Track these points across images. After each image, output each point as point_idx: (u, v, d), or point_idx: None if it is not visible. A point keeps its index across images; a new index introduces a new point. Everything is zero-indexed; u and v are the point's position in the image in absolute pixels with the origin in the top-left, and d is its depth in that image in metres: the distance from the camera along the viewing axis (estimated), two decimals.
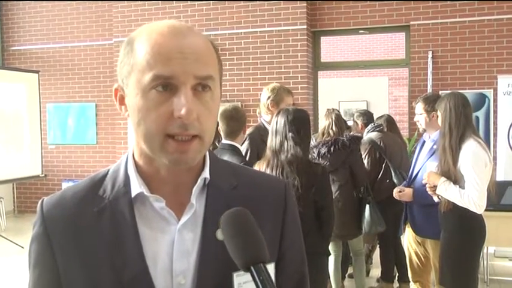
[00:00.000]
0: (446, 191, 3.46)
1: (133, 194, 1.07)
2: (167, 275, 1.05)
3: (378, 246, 6.03)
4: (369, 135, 5.26)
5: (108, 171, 1.14)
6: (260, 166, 3.24)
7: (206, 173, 1.10)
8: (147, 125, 1.00)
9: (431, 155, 3.76)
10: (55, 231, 1.08)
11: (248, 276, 0.92)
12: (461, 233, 3.51)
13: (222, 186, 1.12)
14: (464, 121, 3.49)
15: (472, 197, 3.36)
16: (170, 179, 1.08)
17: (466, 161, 3.41)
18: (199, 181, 1.09)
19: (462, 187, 3.41)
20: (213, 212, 1.08)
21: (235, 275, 1.05)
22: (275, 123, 3.27)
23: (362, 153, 5.04)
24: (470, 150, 3.41)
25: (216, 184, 1.11)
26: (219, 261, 1.04)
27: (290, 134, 3.16)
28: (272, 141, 3.23)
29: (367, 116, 5.66)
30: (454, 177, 3.45)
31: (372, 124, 5.42)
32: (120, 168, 1.12)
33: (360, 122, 5.63)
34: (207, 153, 1.13)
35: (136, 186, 1.07)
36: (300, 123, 3.21)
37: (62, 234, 1.07)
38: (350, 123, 6.38)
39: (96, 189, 1.10)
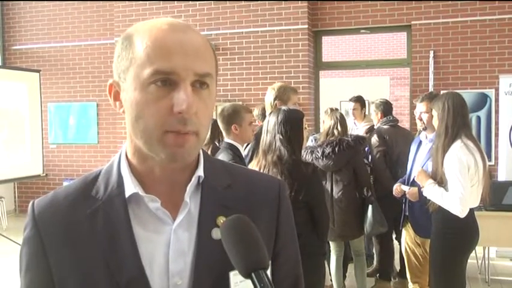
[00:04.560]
0: (430, 193, 3.46)
1: (127, 194, 1.05)
2: (163, 276, 1.03)
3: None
4: (379, 128, 5.27)
5: (100, 171, 1.12)
6: (252, 166, 3.24)
7: (200, 171, 1.09)
8: (145, 120, 0.98)
9: (430, 156, 3.74)
10: (47, 234, 1.05)
11: None
12: (444, 235, 3.50)
13: (216, 185, 1.11)
14: (461, 122, 3.46)
15: (452, 200, 3.35)
16: (164, 178, 1.06)
17: (448, 164, 3.41)
18: (194, 179, 1.08)
19: (447, 189, 3.41)
20: (208, 210, 1.07)
21: (231, 274, 1.03)
22: (267, 123, 3.26)
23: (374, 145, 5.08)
24: (454, 152, 3.39)
25: (210, 183, 1.10)
26: (215, 261, 1.03)
27: (278, 135, 3.14)
28: (263, 141, 3.23)
29: (387, 106, 5.57)
30: (440, 178, 3.45)
31: (387, 118, 5.42)
32: (112, 168, 1.10)
33: (379, 112, 5.54)
34: (201, 152, 1.12)
35: (131, 186, 1.05)
36: (290, 124, 3.17)
37: (55, 237, 1.05)
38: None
39: (89, 190, 1.08)
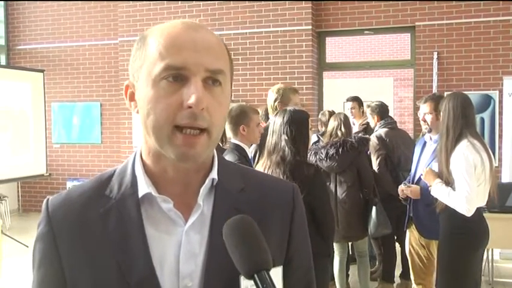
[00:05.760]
0: (438, 192, 3.47)
1: (140, 195, 1.05)
2: (174, 277, 1.03)
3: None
4: (379, 131, 5.26)
5: (114, 171, 1.12)
6: (258, 166, 3.23)
7: (214, 174, 1.09)
8: (156, 115, 0.99)
9: (435, 156, 3.74)
10: (61, 231, 1.06)
11: None
12: (451, 234, 3.49)
13: (229, 188, 1.11)
14: (463, 122, 3.46)
15: (459, 199, 3.36)
16: (178, 179, 1.07)
17: (455, 163, 3.42)
18: (207, 181, 1.08)
19: (454, 189, 3.41)
20: (221, 213, 1.06)
21: (242, 277, 1.02)
22: (272, 124, 3.26)
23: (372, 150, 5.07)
24: (460, 152, 3.40)
25: (223, 186, 1.10)
26: (226, 264, 1.01)
27: (284, 135, 3.14)
28: (268, 142, 3.22)
29: (383, 109, 5.53)
30: (446, 178, 3.45)
31: (384, 120, 5.40)
32: (127, 168, 1.11)
33: (375, 115, 5.51)
34: (215, 154, 1.12)
35: (144, 187, 1.06)
36: (296, 124, 3.17)
37: (68, 234, 1.06)
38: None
39: (103, 189, 1.09)
